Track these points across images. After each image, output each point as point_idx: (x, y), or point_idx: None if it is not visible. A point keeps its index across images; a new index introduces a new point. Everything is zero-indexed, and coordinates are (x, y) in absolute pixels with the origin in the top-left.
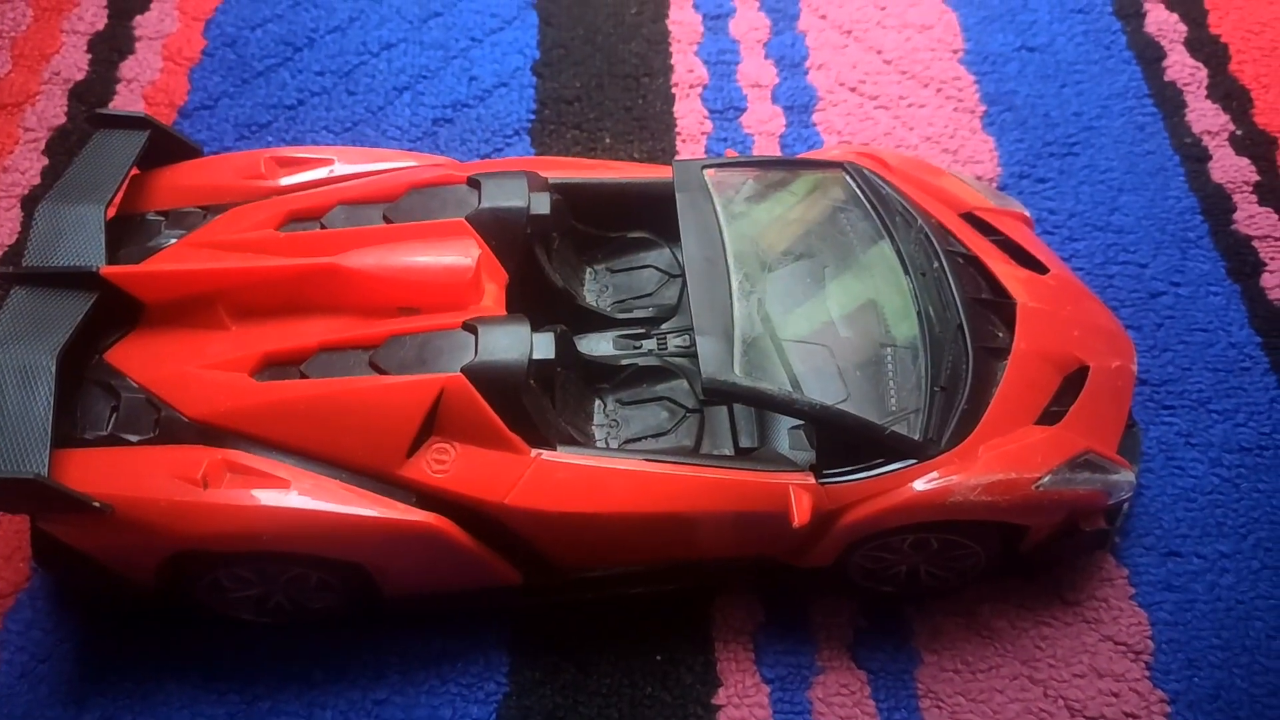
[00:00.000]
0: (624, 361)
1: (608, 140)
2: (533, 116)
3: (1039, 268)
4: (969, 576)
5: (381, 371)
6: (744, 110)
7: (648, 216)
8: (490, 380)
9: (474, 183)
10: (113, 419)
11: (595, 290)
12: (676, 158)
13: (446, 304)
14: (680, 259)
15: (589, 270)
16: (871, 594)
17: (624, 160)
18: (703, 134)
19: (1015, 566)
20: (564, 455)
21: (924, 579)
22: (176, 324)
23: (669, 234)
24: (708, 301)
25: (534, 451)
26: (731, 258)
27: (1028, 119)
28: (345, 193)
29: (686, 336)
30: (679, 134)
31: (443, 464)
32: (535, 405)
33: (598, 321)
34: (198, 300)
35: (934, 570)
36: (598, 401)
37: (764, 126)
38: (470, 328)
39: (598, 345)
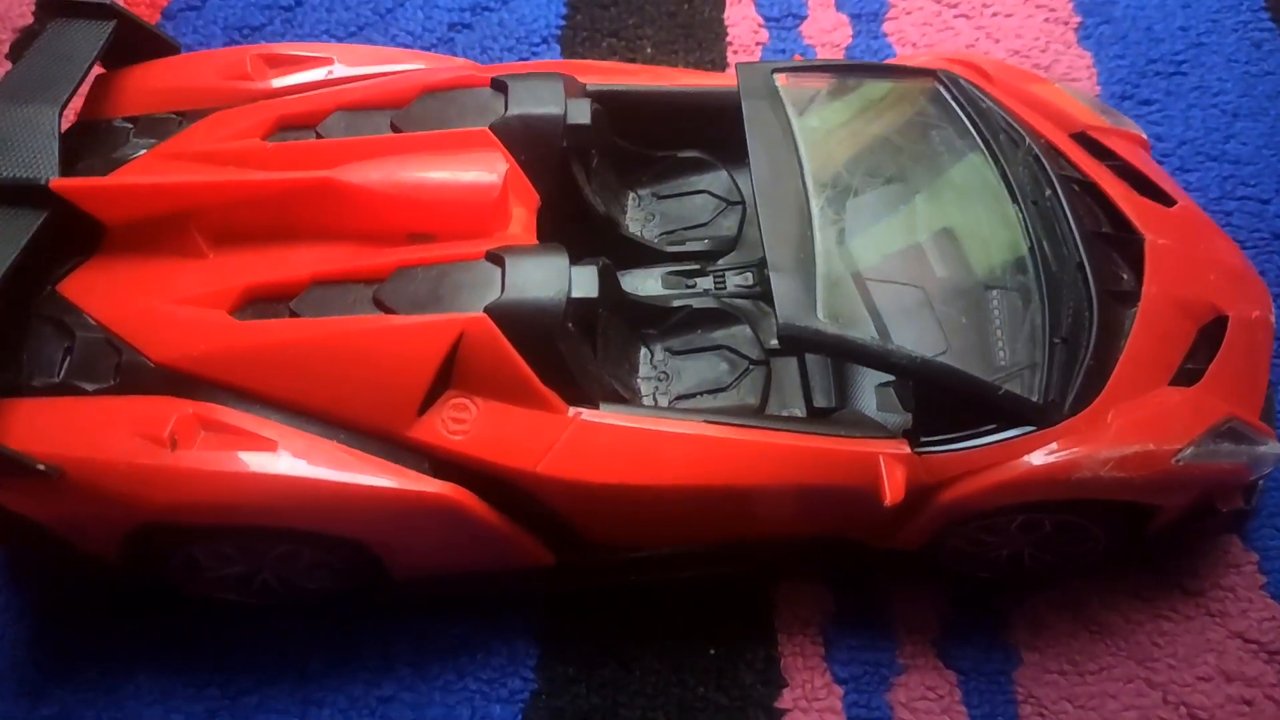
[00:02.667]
0: (676, 303)
1: (649, 50)
2: (563, 22)
3: (1164, 199)
4: (1081, 563)
5: (388, 310)
6: (804, 18)
7: (701, 133)
8: (520, 322)
9: (499, 86)
10: (65, 363)
11: (639, 219)
12: (739, 61)
13: (466, 230)
14: (740, 183)
15: (632, 195)
16: (961, 580)
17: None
18: (757, 44)
19: (1129, 551)
20: (608, 415)
21: (1027, 564)
22: (143, 250)
23: (725, 154)
24: (783, 232)
25: (572, 410)
26: (810, 180)
27: (1128, 33)
28: (345, 96)
29: (749, 274)
30: (730, 44)
31: (461, 424)
32: (573, 354)
33: (644, 255)
34: (168, 222)
35: (1040, 555)
36: (644, 350)
37: (827, 36)
38: (495, 259)
39: (644, 283)
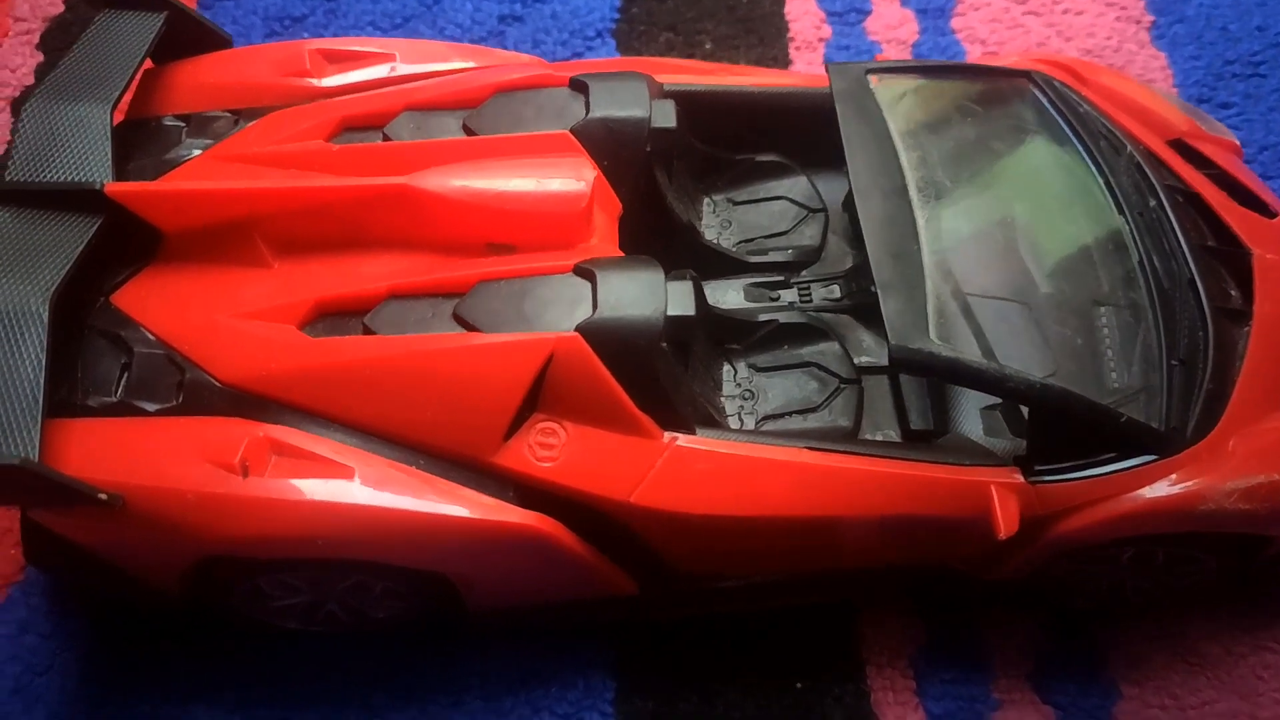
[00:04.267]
0: (761, 317)
1: (708, 46)
2: (618, 15)
3: (1264, 210)
4: (1184, 594)
5: (470, 328)
6: (869, 13)
7: (779, 136)
8: (614, 342)
9: (578, 86)
10: (124, 381)
11: (715, 226)
12: (800, 57)
13: (548, 241)
14: (821, 189)
15: (706, 201)
16: (1055, 608)
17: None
18: (820, 40)
19: (1236, 581)
20: (705, 441)
21: (1128, 594)
22: (203, 260)
23: (805, 158)
24: (887, 246)
25: (667, 435)
26: (913, 189)
27: (1202, 32)
28: (413, 96)
29: (836, 286)
30: (792, 39)
31: (549, 449)
32: (669, 375)
33: (724, 266)
34: (230, 229)
35: (1142, 584)
36: (726, 366)
37: (893, 32)
38: (585, 273)
39: (725, 295)
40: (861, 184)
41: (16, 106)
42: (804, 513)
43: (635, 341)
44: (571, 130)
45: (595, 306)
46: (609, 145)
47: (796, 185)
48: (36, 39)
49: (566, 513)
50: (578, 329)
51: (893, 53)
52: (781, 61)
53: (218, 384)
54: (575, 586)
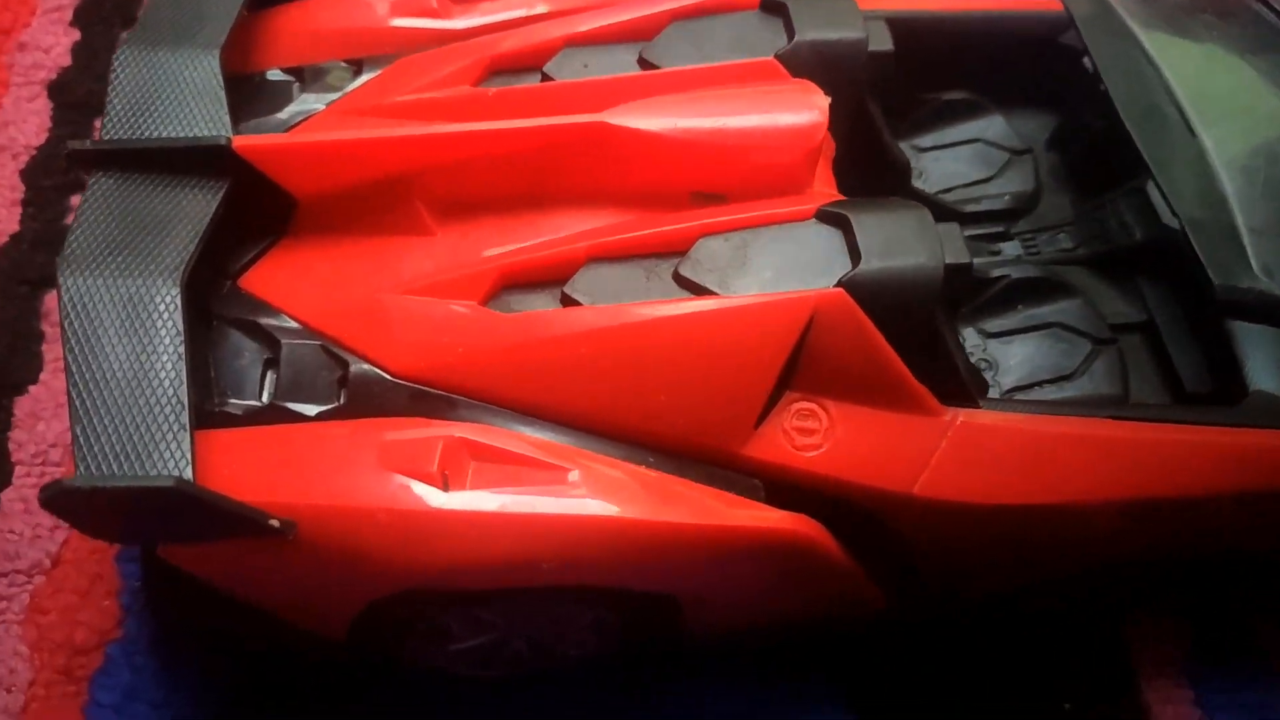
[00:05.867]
0: (995, 273)
1: None
2: None
3: None
4: None
5: (699, 291)
6: None
7: (969, 70)
8: (888, 298)
9: (771, 7)
10: (270, 380)
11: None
12: None
13: (766, 186)
14: (1018, 129)
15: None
16: None
17: None
18: None
19: None
20: (997, 416)
21: None
22: (345, 231)
23: (999, 94)
24: (1180, 177)
25: (950, 411)
26: (1192, 112)
27: None
28: (573, 28)
29: (1064, 235)
30: None
31: (811, 435)
32: (952, 337)
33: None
34: (380, 190)
35: None
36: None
37: None
38: (832, 217)
39: None
40: (1133, 114)
41: (55, 91)
42: (1122, 495)
43: (912, 297)
44: (777, 56)
45: (857, 258)
46: (819, 73)
47: (992, 126)
48: (69, 15)
49: (824, 512)
50: (840, 284)
51: None
52: None
53: (389, 377)
54: (820, 603)
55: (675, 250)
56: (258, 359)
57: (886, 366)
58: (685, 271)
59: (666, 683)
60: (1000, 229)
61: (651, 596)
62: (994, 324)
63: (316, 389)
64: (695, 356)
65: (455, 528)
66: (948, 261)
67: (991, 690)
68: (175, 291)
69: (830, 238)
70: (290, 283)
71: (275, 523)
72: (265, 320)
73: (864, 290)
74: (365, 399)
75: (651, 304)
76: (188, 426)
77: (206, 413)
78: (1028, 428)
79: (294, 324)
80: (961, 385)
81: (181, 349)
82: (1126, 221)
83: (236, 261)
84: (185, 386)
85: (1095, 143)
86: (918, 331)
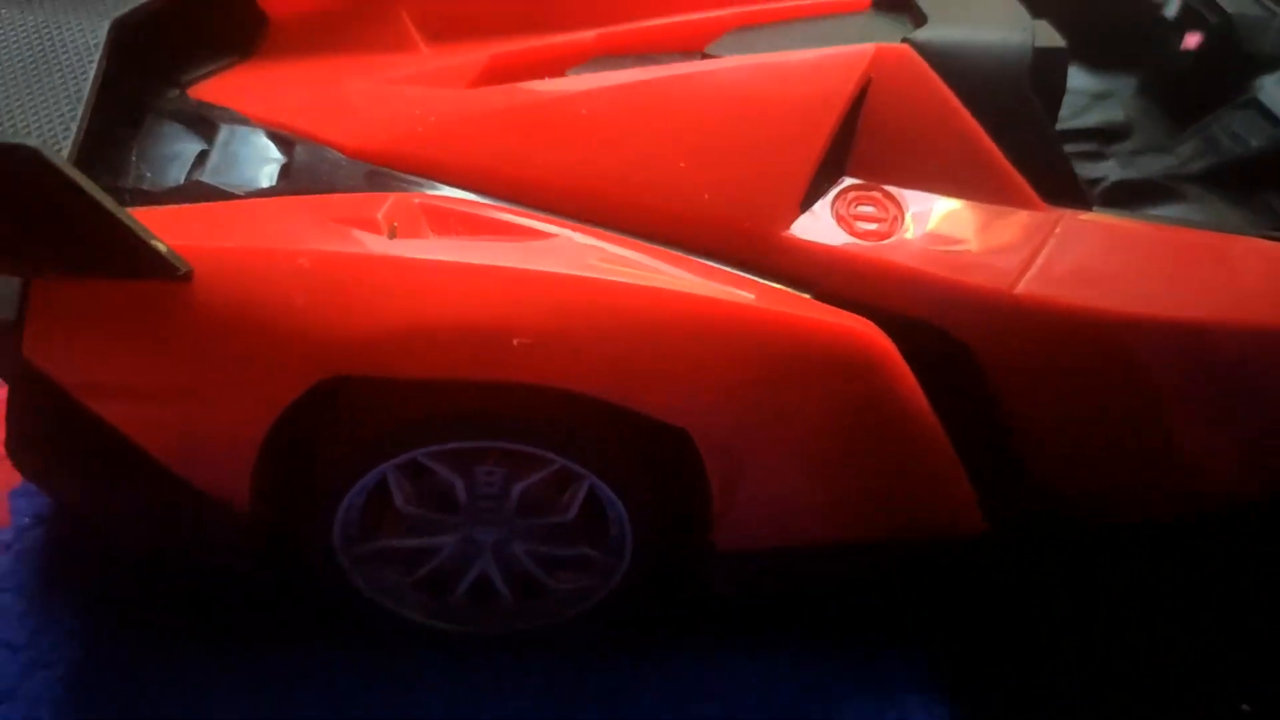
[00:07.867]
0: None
1: None
2: None
3: None
4: None
5: None
6: None
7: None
8: (967, 66)
9: None
10: (201, 164)
11: None
12: None
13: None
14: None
15: None
16: None
17: None
18: None
19: None
20: (1111, 220)
21: None
22: (321, 50)
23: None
24: None
25: (1054, 210)
26: None
27: None
28: None
29: (1169, 156)
30: None
31: (877, 224)
32: (1051, 125)
33: None
34: (363, 7)
35: None
36: None
37: None
38: (896, 4)
39: None
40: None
41: None
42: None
43: (997, 69)
44: None
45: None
46: None
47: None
48: None
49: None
50: (907, 40)
51: None
52: None
53: (343, 158)
54: (888, 496)
55: (700, 48)
56: (193, 150)
57: (968, 140)
58: (714, 52)
59: (681, 654)
60: (1094, 148)
61: (662, 431)
62: None
63: (253, 170)
64: (725, 118)
65: (399, 280)
66: (1038, 45)
67: (1139, 682)
68: (104, 25)
69: (894, 24)
70: (247, 89)
71: (160, 245)
72: (208, 114)
73: (934, 53)
74: (311, 179)
75: (676, 64)
76: (72, 131)
77: (114, 189)
78: (1159, 236)
79: (242, 116)
80: (1071, 179)
81: (86, 91)
82: (1237, 132)
83: (189, 75)
84: (78, 123)
85: (1184, 75)
86: (1009, 115)
